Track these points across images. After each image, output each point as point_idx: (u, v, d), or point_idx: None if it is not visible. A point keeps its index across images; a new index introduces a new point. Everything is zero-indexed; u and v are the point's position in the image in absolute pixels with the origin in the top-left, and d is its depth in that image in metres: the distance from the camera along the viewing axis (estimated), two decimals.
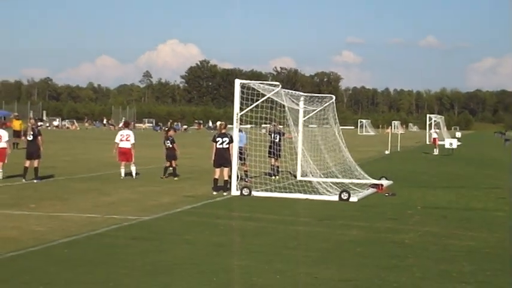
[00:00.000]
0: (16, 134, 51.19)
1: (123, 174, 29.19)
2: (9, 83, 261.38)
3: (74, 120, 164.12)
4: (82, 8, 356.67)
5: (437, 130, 63.38)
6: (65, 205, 20.45)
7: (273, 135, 31.70)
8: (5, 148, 28.33)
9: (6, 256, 12.98)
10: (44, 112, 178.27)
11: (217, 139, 24.88)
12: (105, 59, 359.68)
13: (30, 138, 27.78)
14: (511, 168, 38.40)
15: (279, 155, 31.67)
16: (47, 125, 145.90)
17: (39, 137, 27.79)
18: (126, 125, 32.19)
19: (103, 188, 25.51)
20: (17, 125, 54.18)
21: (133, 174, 29.43)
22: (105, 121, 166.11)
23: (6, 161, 28.21)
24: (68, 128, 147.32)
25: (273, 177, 30.44)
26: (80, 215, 18.40)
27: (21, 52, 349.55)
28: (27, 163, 27.36)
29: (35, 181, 26.81)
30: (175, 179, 29.33)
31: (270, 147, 31.47)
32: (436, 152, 58.68)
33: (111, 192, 24.32)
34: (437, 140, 62.30)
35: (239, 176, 25.12)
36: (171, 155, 30.22)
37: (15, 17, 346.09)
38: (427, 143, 61.61)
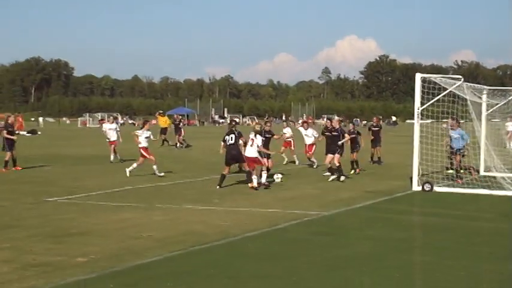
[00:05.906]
0: (163, 131, 51.51)
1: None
2: (192, 81, 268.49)
3: (255, 117, 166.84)
4: (259, 8, 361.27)
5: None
6: (247, 200, 20.83)
7: (450, 131, 31.03)
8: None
9: (191, 249, 13.35)
10: (225, 109, 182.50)
11: None
12: (284, 56, 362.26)
13: (232, 141, 24.56)
14: None
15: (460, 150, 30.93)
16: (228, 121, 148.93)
17: (240, 140, 24.87)
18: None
19: (285, 183, 25.74)
20: (162, 121, 53.86)
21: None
22: (283, 117, 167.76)
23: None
24: (248, 124, 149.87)
25: (452, 172, 29.85)
26: (262, 210, 18.70)
27: (204, 51, 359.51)
28: (226, 170, 24.40)
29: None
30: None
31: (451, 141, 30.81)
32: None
33: (293, 187, 24.55)
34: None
35: (420, 172, 24.77)
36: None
37: (200, 20, 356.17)
38: None
